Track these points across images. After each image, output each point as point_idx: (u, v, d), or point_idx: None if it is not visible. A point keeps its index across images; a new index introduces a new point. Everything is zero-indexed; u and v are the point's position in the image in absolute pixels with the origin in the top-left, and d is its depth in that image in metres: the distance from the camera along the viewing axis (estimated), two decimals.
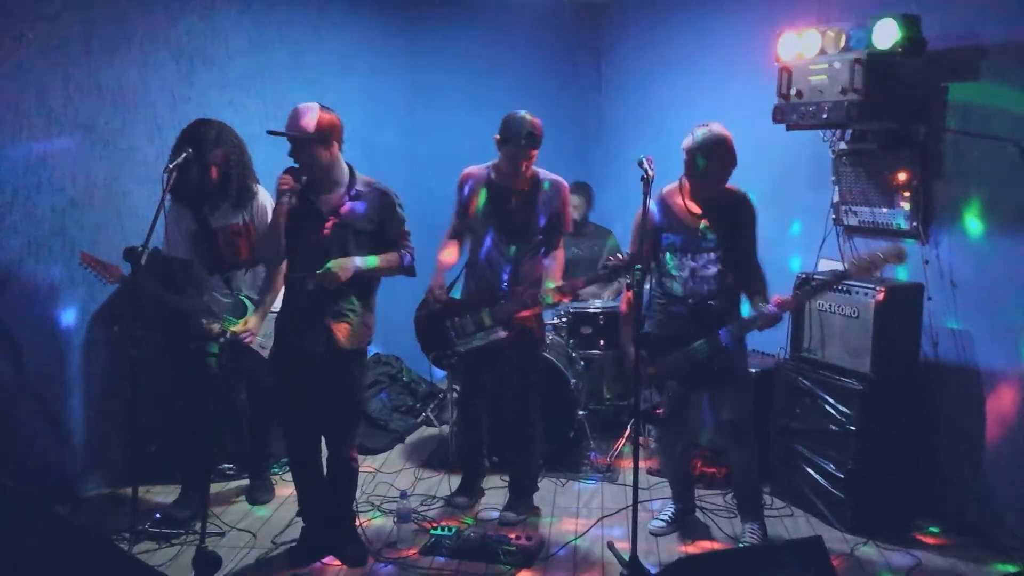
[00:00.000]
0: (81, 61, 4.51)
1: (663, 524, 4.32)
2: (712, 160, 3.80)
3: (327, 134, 3.65)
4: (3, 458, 4.29)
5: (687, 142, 3.84)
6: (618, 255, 3.80)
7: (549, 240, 4.31)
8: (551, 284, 4.16)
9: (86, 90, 4.55)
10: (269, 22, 5.43)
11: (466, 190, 4.34)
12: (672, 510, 4.38)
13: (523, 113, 4.14)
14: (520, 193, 4.22)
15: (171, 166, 3.95)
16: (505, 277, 4.24)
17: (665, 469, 4.61)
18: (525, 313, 4.20)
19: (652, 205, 3.97)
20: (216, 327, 4.17)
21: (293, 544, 4.04)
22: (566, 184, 4.32)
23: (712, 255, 3.92)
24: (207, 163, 4.12)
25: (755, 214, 3.98)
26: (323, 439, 3.95)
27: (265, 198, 4.36)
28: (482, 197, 4.27)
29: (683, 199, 3.98)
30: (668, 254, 4.00)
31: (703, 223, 3.93)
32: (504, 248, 4.24)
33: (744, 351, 4.11)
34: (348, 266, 3.69)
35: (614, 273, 3.81)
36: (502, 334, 4.18)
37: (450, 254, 4.41)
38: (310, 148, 3.63)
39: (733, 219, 3.92)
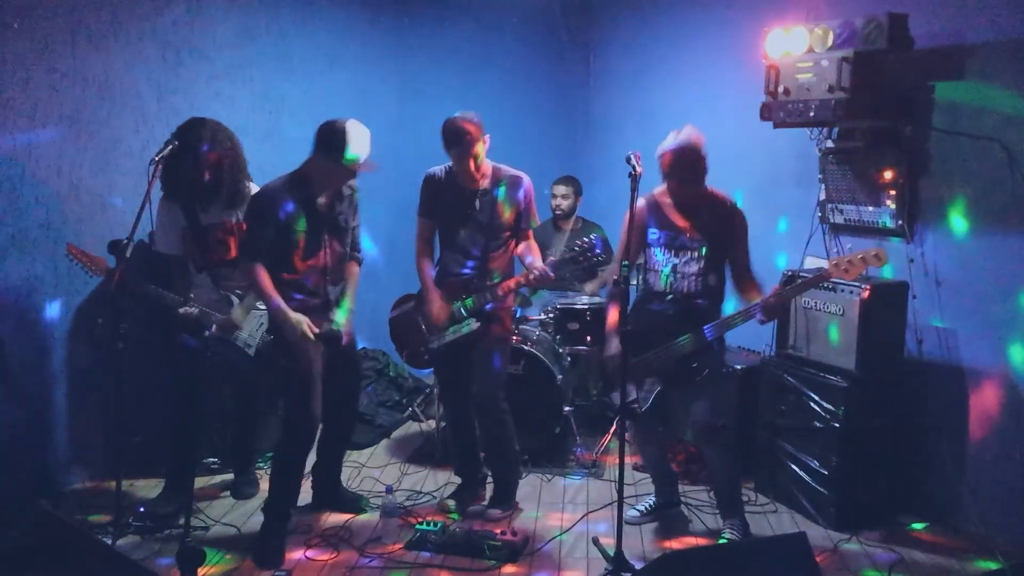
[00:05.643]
0: (67, 52, 4.48)
1: (638, 515, 4.36)
2: (680, 164, 3.87)
3: None
4: None
5: (660, 148, 3.91)
6: (587, 239, 3.96)
7: (516, 235, 4.31)
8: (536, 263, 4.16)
9: (72, 81, 4.52)
10: (257, 14, 5.41)
11: (429, 191, 4.33)
12: (651, 502, 4.42)
13: (457, 115, 4.11)
14: (483, 191, 4.21)
15: (156, 158, 3.95)
16: (471, 272, 4.24)
17: (644, 463, 4.64)
18: (508, 282, 4.19)
19: (641, 202, 4.04)
20: (195, 312, 4.18)
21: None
22: (528, 179, 4.29)
23: (694, 254, 3.97)
24: (200, 163, 4.10)
25: (745, 225, 4.02)
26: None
27: None
28: (445, 197, 4.27)
29: (671, 200, 4.04)
30: (653, 249, 4.06)
31: (688, 224, 3.98)
32: (470, 246, 4.24)
33: (722, 350, 4.16)
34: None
35: (583, 255, 3.92)
36: (475, 326, 4.19)
37: (428, 265, 4.38)
38: None
39: (719, 225, 3.97)
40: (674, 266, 4.00)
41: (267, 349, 4.37)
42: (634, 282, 4.36)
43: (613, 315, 4.09)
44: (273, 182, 3.95)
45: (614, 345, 4.02)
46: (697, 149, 3.88)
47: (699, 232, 3.97)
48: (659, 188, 4.08)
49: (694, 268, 3.97)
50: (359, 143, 3.84)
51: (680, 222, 4.00)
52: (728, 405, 4.60)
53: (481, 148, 4.11)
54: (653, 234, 4.05)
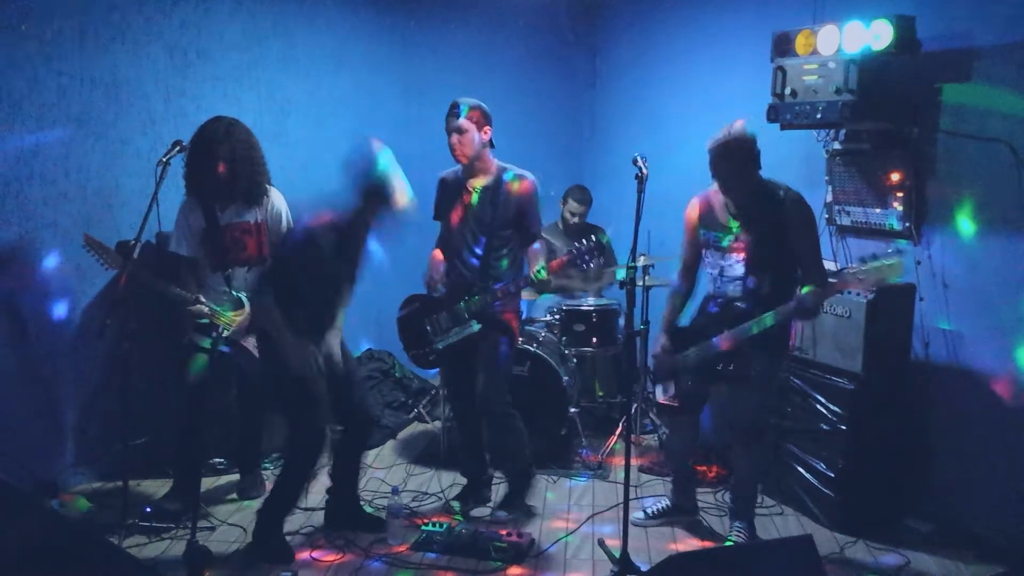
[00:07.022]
0: (74, 54, 4.50)
1: (644, 516, 4.34)
2: (725, 161, 3.76)
3: None
4: None
5: (709, 142, 3.80)
6: (585, 241, 4.01)
7: (520, 233, 4.29)
8: (542, 263, 4.18)
9: (79, 83, 4.53)
10: (263, 15, 5.41)
11: (440, 194, 4.41)
12: (661, 505, 4.39)
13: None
14: (484, 188, 4.24)
15: (164, 159, 3.97)
16: (474, 272, 4.24)
17: (669, 463, 4.51)
18: (508, 290, 4.21)
19: (695, 201, 4.02)
20: (205, 309, 4.18)
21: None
22: (532, 179, 4.28)
23: (739, 256, 3.88)
24: (213, 157, 4.11)
25: (803, 215, 3.82)
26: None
27: (278, 200, 4.38)
28: (452, 196, 4.32)
29: (721, 198, 3.94)
30: (704, 250, 4.02)
31: (735, 223, 3.89)
32: (473, 243, 4.25)
33: (771, 354, 3.96)
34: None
35: (581, 257, 4.02)
36: (476, 327, 4.19)
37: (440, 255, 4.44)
38: None
39: (768, 222, 3.82)
40: (721, 268, 3.94)
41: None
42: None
43: (665, 313, 4.13)
44: (322, 229, 3.77)
45: (660, 341, 4.08)
46: (738, 146, 3.73)
47: (745, 233, 3.86)
48: (714, 185, 3.97)
49: (739, 271, 3.88)
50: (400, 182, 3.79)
51: (726, 222, 3.91)
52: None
53: (469, 127, 4.13)
54: (703, 235, 3.99)
